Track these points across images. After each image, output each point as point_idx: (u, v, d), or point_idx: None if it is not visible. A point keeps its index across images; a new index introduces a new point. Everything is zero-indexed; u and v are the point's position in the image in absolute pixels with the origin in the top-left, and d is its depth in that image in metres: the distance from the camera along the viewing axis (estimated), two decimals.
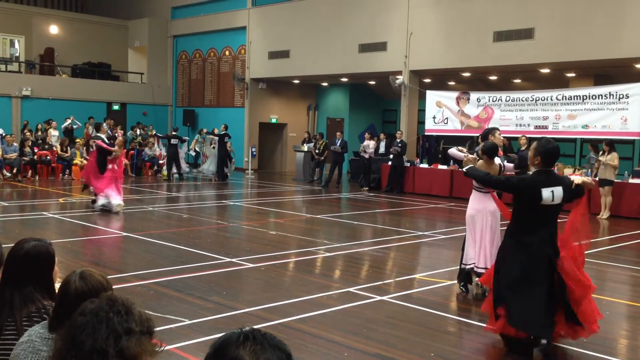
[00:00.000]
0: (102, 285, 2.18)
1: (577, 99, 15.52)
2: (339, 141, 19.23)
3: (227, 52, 24.67)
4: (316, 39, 20.89)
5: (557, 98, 15.86)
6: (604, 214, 13.32)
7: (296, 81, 23.97)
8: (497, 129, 7.54)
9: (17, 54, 25.01)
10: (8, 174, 17.52)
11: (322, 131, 23.05)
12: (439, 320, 5.95)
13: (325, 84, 24.86)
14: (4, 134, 18.86)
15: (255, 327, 1.44)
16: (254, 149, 22.62)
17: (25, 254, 2.59)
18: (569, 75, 18.24)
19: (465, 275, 6.90)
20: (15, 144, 18.33)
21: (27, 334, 2.24)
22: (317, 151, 19.93)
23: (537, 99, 16.20)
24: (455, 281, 7.18)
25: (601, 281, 8.09)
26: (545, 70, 17.55)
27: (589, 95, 15.32)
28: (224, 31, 24.44)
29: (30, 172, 18.09)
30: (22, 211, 12.45)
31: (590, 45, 14.97)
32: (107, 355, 1.48)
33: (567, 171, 15.05)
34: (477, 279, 6.61)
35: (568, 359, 5.02)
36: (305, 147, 20.72)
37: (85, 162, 19.23)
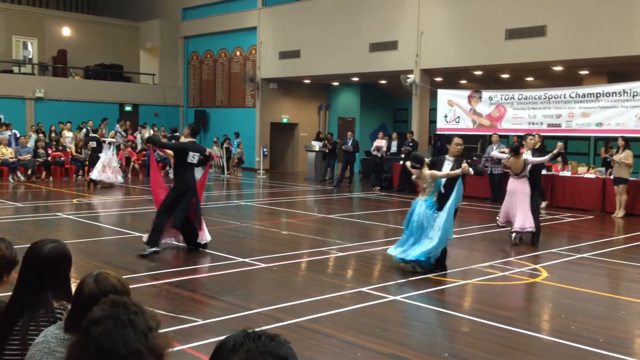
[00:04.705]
0: (116, 289, 2.16)
1: (590, 96, 15.38)
2: (350, 141, 19.19)
3: (237, 53, 24.73)
4: (327, 39, 20.87)
5: (570, 96, 15.73)
6: (619, 213, 13.20)
7: (307, 81, 23.96)
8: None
9: (31, 56, 25.23)
10: (22, 177, 17.64)
11: (332, 131, 23.03)
12: (452, 319, 5.92)
13: (336, 83, 24.83)
14: (18, 135, 19.02)
15: (262, 328, 1.44)
16: (265, 149, 22.65)
17: (45, 257, 2.55)
18: (582, 72, 18.08)
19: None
20: (29, 145, 18.46)
21: (42, 335, 2.24)
22: (327, 148, 19.88)
23: (550, 96, 16.07)
24: (469, 280, 7.23)
25: (616, 280, 8.03)
26: (558, 68, 17.42)
27: (603, 93, 15.17)
28: (235, 32, 24.49)
29: (44, 173, 18.22)
30: (36, 212, 12.54)
31: (603, 42, 14.84)
32: (142, 355, 1.51)
33: (582, 169, 14.92)
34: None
35: (583, 358, 4.97)
36: (317, 147, 20.70)
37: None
